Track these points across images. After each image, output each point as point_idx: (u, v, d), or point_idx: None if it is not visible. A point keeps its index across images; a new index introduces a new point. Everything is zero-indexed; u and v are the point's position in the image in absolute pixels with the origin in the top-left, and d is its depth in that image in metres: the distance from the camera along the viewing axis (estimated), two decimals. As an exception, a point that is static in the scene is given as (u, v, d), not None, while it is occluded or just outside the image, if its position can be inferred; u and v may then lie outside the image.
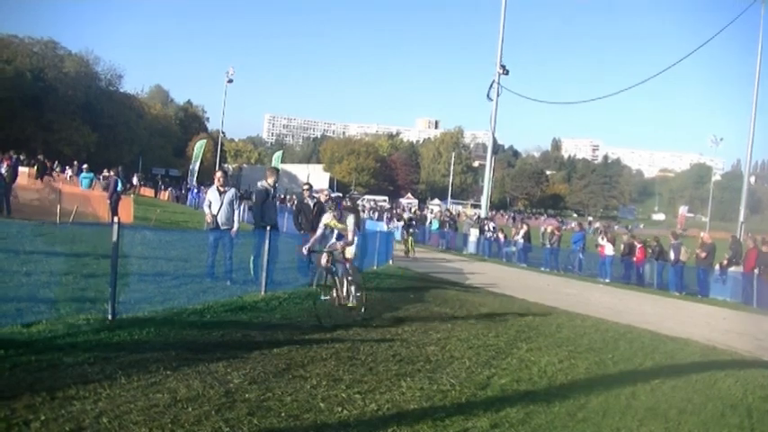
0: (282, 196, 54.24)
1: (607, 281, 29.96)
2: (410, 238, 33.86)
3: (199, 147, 75.71)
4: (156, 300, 10.74)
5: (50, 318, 8.81)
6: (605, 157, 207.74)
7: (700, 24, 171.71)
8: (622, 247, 32.15)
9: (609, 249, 31.98)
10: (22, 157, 42.04)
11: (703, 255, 27.94)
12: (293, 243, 16.91)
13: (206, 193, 17.73)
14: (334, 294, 12.21)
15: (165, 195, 71.49)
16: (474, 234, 42.37)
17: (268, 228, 14.20)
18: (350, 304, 12.42)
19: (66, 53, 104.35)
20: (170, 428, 5.74)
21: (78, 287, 10.42)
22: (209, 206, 14.97)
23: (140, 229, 13.00)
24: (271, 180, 16.50)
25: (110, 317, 9.23)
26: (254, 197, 15.89)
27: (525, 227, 39.76)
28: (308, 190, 19.04)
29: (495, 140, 47.51)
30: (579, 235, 35.61)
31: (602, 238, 33.34)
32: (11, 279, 9.85)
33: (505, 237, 41.06)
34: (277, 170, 18.00)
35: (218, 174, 15.68)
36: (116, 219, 9.57)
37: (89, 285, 10.50)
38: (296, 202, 23.09)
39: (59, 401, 5.96)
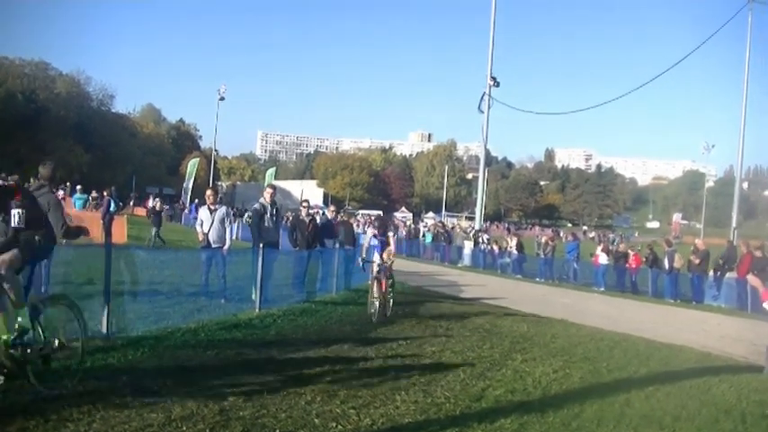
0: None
1: (602, 290, 30.08)
2: None
3: (192, 165, 75.84)
4: (150, 319, 10.76)
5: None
6: (599, 167, 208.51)
7: (690, 32, 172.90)
8: (614, 254, 32.45)
9: (603, 258, 32.12)
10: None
11: (697, 261, 28.01)
12: (287, 260, 16.99)
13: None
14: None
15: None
16: (468, 246, 42.46)
17: (261, 246, 14.27)
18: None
19: (57, 74, 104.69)
20: (164, 448, 5.75)
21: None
22: (201, 225, 15.03)
23: (134, 249, 13.01)
24: (267, 197, 16.57)
25: (103, 338, 9.24)
26: (249, 216, 15.91)
27: (515, 238, 39.87)
28: (306, 207, 19.17)
29: (487, 152, 47.78)
30: (573, 244, 35.76)
31: (599, 249, 33.53)
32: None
33: (500, 248, 41.14)
34: (274, 187, 18.08)
35: (208, 192, 15.76)
36: (108, 239, 9.59)
37: (83, 307, 10.41)
38: (291, 218, 23.20)
39: (53, 424, 5.94)
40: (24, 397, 6.57)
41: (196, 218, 18.05)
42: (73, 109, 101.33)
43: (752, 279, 11.82)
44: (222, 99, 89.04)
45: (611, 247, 34.56)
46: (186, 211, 67.64)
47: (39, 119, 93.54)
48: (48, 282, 8.95)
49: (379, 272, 15.03)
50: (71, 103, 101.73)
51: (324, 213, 24.30)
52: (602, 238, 42.77)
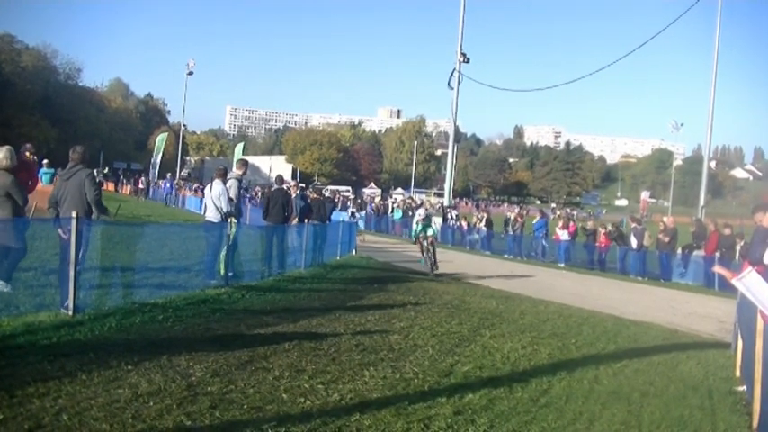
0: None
1: (562, 265, 30.33)
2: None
3: (160, 140, 75.07)
4: (117, 294, 10.64)
5: (9, 315, 8.70)
6: (567, 144, 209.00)
7: (661, 9, 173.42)
8: (584, 231, 32.76)
9: (564, 236, 32.37)
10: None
11: (666, 239, 28.16)
12: (255, 235, 16.91)
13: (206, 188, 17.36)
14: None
15: (126, 189, 70.38)
16: (437, 222, 42.50)
17: (230, 220, 14.18)
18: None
19: (22, 47, 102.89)
20: (131, 424, 5.67)
21: (38, 284, 10.31)
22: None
23: (100, 224, 12.85)
24: (240, 172, 16.48)
25: (70, 313, 9.13)
26: (230, 190, 15.61)
27: (485, 214, 40.05)
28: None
29: (456, 129, 47.62)
30: (541, 222, 35.87)
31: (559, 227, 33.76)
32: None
33: (468, 224, 41.22)
34: (246, 162, 17.98)
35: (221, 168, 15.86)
36: (74, 213, 9.45)
37: (49, 282, 10.37)
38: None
39: (18, 399, 5.87)
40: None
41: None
42: (39, 83, 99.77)
43: (719, 269, 11.96)
44: (191, 74, 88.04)
45: (570, 223, 34.63)
46: (162, 186, 67.25)
47: (4, 93, 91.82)
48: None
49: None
50: (37, 77, 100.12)
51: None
52: (562, 216, 42.75)
